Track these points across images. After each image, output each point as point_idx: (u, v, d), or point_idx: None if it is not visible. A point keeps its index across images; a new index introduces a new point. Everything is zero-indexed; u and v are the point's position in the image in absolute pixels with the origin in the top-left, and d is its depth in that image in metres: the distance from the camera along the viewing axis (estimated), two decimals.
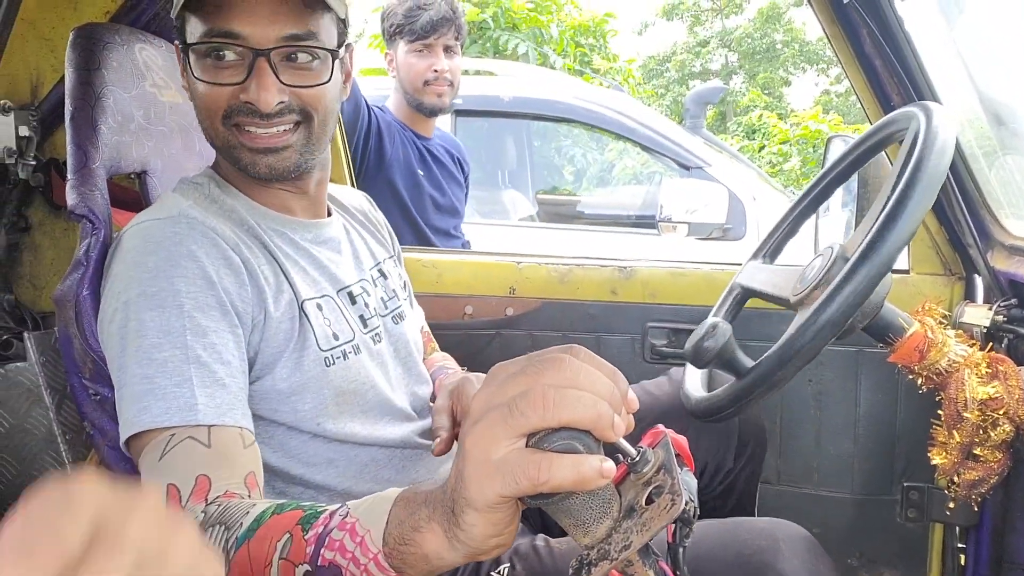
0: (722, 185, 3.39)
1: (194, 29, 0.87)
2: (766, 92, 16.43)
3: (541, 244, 3.50)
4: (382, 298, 1.07)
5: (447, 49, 1.97)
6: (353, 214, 1.14)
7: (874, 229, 0.80)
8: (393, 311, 1.07)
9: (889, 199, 0.82)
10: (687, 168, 3.60)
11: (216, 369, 0.79)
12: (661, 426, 0.59)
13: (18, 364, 1.20)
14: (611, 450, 0.51)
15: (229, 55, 0.86)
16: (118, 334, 0.80)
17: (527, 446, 0.48)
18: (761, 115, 10.69)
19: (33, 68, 1.32)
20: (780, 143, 8.84)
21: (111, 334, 0.82)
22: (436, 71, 1.95)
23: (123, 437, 0.78)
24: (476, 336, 1.58)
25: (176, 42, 0.92)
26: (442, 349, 1.30)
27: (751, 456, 1.21)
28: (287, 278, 0.91)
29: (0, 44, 1.26)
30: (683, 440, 0.59)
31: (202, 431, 0.75)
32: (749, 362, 0.89)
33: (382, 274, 1.10)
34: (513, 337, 1.58)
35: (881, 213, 0.82)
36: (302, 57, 0.88)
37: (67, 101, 0.97)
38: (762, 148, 9.17)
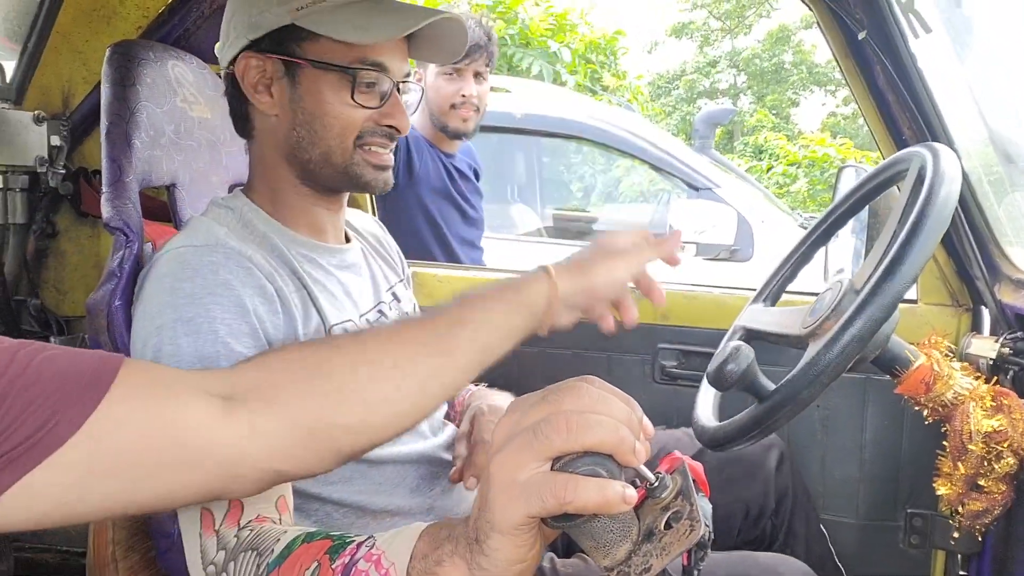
0: (731, 207, 3.41)
1: (334, 53, 0.91)
2: (774, 113, 16.46)
3: (550, 258, 3.52)
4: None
5: (477, 75, 1.99)
6: (367, 238, 1.16)
7: (882, 268, 0.82)
8: None
9: (896, 238, 0.83)
10: (696, 189, 3.62)
11: None
12: (678, 452, 0.61)
13: None
14: (629, 474, 0.53)
15: (370, 83, 0.93)
16: (152, 357, 0.81)
17: (551, 470, 0.50)
18: (768, 137, 10.72)
19: (66, 80, 1.35)
20: (788, 164, 8.86)
21: (144, 357, 0.82)
22: (464, 96, 1.97)
23: None
24: None
25: (293, 58, 0.92)
26: None
27: (796, 497, 1.20)
28: (315, 304, 0.93)
29: (36, 56, 1.30)
30: (699, 466, 0.61)
31: None
32: (771, 385, 0.89)
33: (395, 297, 1.12)
34: (524, 354, 1.59)
35: (888, 251, 0.83)
36: (406, 88, 0.99)
37: (103, 116, 1.00)
38: (769, 169, 9.19)
